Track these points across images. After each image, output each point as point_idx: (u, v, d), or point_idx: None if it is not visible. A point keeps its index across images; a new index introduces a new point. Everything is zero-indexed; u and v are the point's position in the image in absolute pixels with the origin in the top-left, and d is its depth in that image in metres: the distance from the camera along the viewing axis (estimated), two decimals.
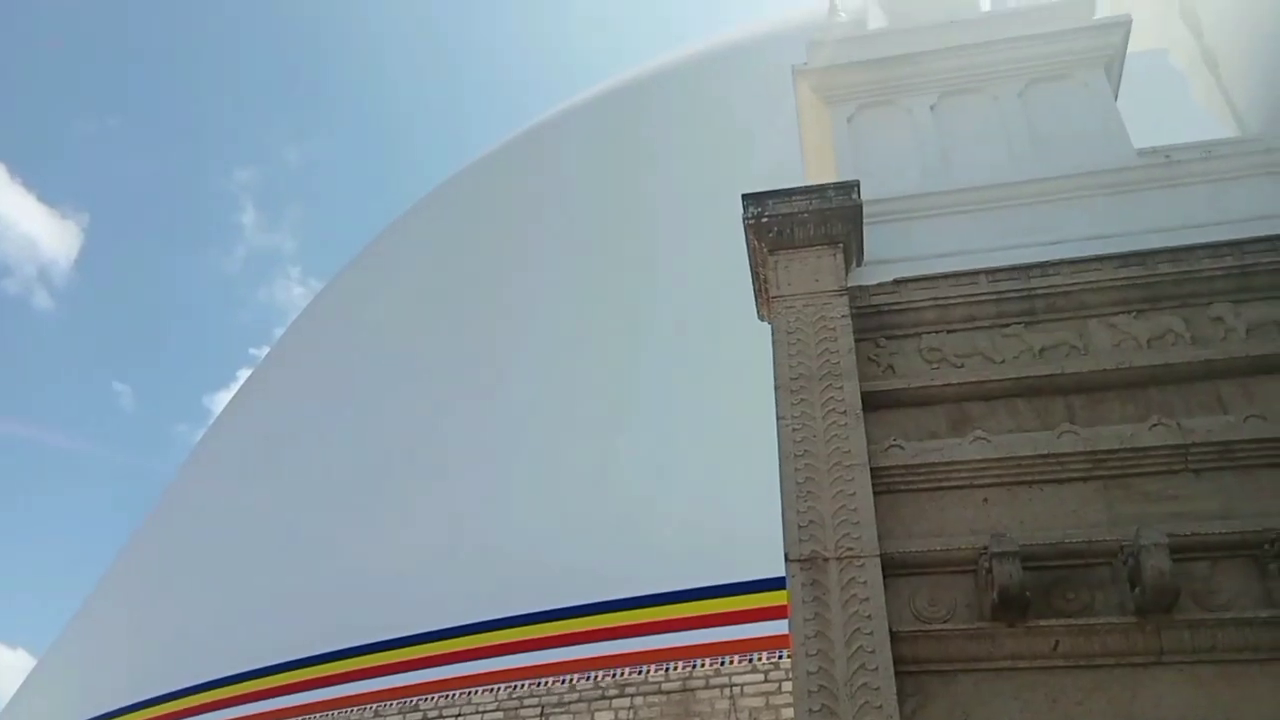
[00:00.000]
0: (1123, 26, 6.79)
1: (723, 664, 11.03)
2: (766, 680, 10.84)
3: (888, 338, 5.54)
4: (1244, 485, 4.69)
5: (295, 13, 56.14)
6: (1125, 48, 6.82)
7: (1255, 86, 7.08)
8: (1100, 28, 6.85)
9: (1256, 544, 4.44)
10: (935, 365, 5.39)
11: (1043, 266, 5.49)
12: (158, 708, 14.97)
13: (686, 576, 11.53)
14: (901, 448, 5.09)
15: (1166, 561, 4.27)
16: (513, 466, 13.96)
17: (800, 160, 7.66)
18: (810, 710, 4.32)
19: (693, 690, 10.95)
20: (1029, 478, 4.91)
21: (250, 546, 16.30)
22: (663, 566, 11.67)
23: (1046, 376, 5.20)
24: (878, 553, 4.66)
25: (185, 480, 22.24)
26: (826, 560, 4.67)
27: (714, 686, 10.93)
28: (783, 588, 4.82)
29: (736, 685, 10.88)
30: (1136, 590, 4.35)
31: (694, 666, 11.09)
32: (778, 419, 5.22)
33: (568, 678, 11.48)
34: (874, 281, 5.67)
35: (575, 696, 11.25)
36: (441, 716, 11.80)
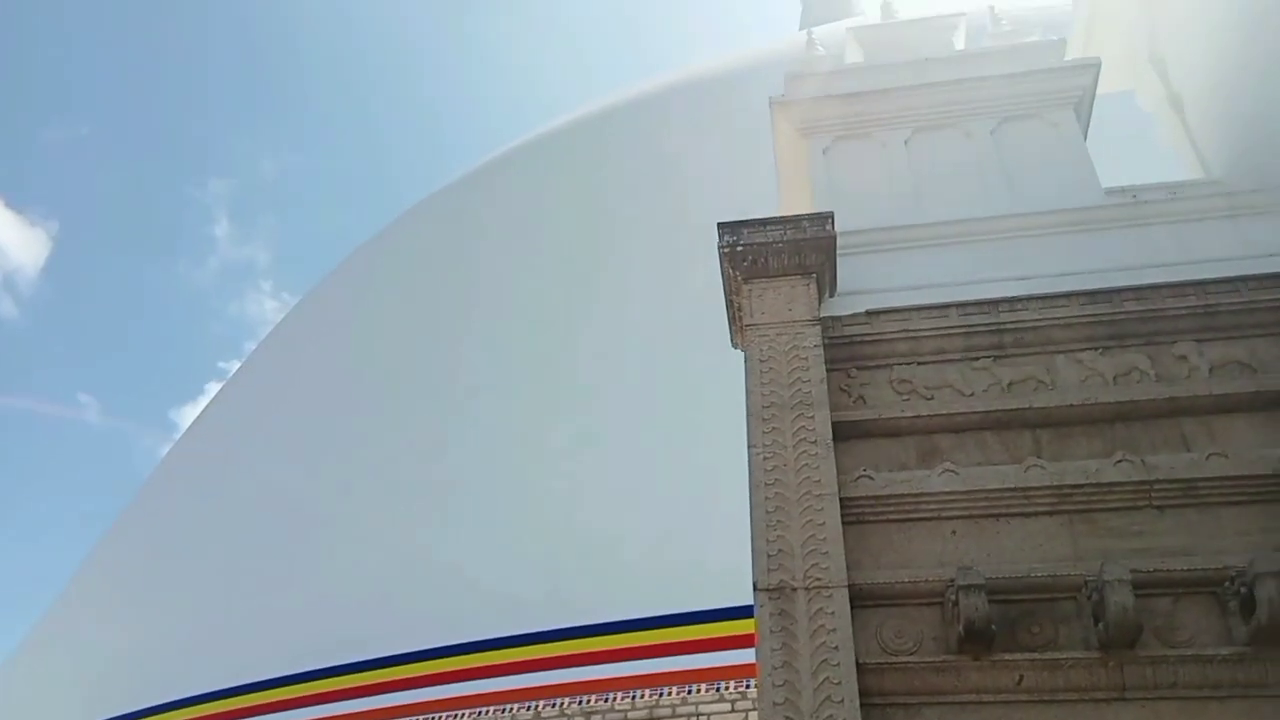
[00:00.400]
0: (1092, 69, 6.94)
1: (690, 692, 10.95)
2: (733, 710, 10.77)
3: (859, 368, 5.58)
4: (1206, 522, 4.75)
5: (277, 26, 56.12)
6: (1094, 89, 6.97)
7: (1218, 129, 7.25)
8: (1070, 69, 7.00)
9: (1217, 581, 4.49)
10: (905, 397, 5.43)
11: (1012, 302, 5.56)
12: None
13: (654, 603, 11.47)
14: (871, 478, 5.12)
15: (1130, 597, 4.30)
16: (480, 491, 13.86)
17: (769, 192, 7.73)
18: None
19: (659, 718, 10.86)
20: (996, 511, 4.95)
21: (213, 565, 16.04)
22: (630, 593, 11.61)
23: (1014, 410, 5.25)
24: (846, 583, 4.67)
25: (150, 495, 21.88)
26: (795, 590, 4.67)
27: (680, 715, 10.85)
28: (751, 616, 4.81)
29: (703, 714, 10.80)
30: (1100, 626, 4.38)
31: (660, 695, 11.01)
32: (749, 447, 5.23)
33: (533, 704, 11.35)
34: (846, 312, 5.72)
35: None
36: None
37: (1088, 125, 7.04)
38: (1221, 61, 7.09)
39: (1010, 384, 5.36)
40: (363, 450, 15.85)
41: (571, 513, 12.85)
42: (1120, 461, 4.94)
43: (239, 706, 13.25)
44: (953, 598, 4.50)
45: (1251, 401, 5.05)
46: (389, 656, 12.51)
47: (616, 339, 14.79)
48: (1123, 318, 5.41)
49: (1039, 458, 5.06)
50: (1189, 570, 4.55)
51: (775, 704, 4.38)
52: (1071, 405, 5.20)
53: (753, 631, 4.76)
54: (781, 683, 4.43)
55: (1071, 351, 5.42)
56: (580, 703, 11.19)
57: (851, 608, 4.59)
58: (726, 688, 10.91)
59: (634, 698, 11.10)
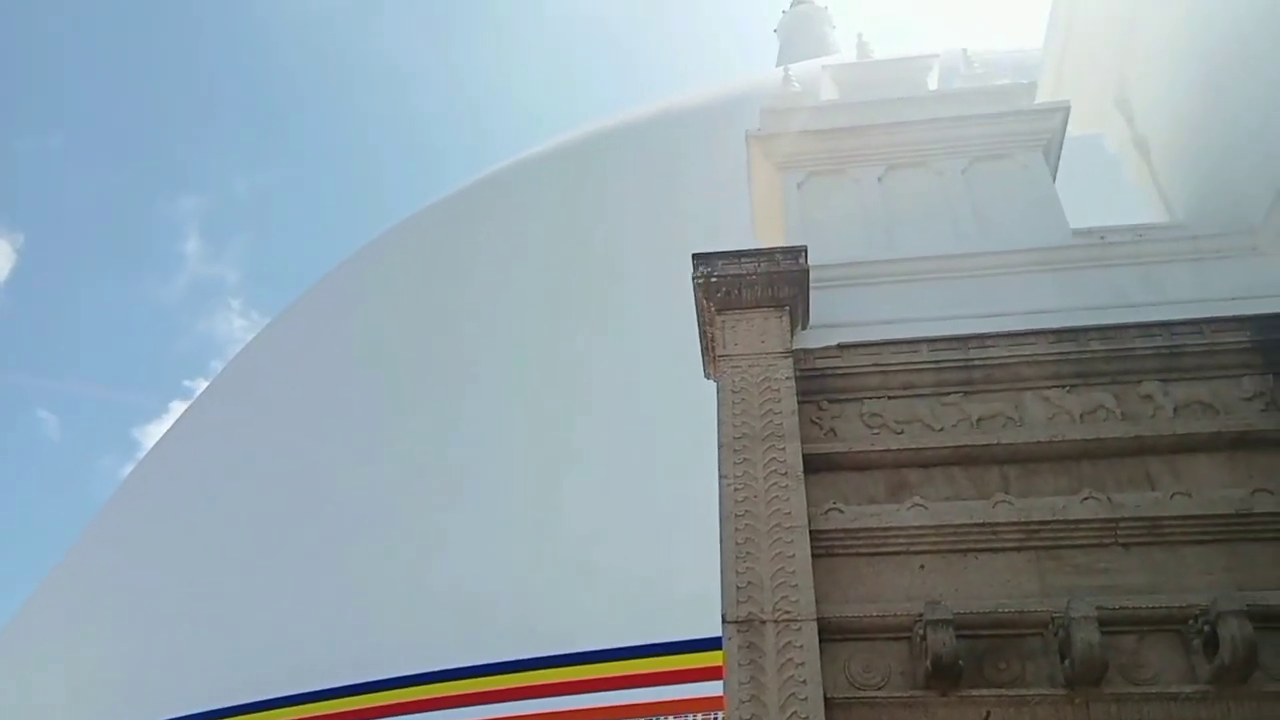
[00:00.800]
0: (1061, 112, 7.10)
1: None
2: None
3: (830, 400, 5.61)
4: (1170, 561, 4.80)
5: (255, 43, 56.01)
6: (1064, 132, 7.12)
7: (1182, 173, 7.43)
8: (1040, 112, 7.15)
9: (1181, 619, 4.53)
10: (876, 430, 5.46)
11: (981, 338, 5.63)
12: None
13: (623, 634, 11.38)
14: (841, 511, 5.13)
15: (1096, 634, 4.33)
16: (450, 518, 13.73)
17: (746, 221, 7.80)
18: None
19: None
20: (965, 546, 4.97)
21: (178, 589, 15.72)
22: (599, 623, 11.51)
23: (983, 446, 5.30)
24: (814, 616, 4.66)
25: (111, 516, 21.46)
26: (764, 623, 4.65)
27: None
28: (720, 648, 4.78)
29: None
30: (1066, 662, 4.40)
31: None
32: (720, 478, 5.23)
33: None
34: (818, 345, 5.75)
35: None
36: None
37: (1056, 167, 7.19)
38: (1186, 108, 7.28)
39: (979, 420, 5.41)
40: (329, 476, 15.67)
41: (541, 542, 12.75)
42: (1087, 499, 4.99)
43: None
44: (921, 633, 4.51)
45: (1214, 442, 5.13)
46: (350, 686, 12.30)
47: (594, 367, 14.77)
48: (1089, 356, 5.49)
49: (1007, 493, 5.10)
50: (1154, 608, 4.59)
51: None
52: (1039, 442, 5.25)
53: (722, 664, 4.73)
54: (749, 716, 4.41)
55: (1039, 389, 5.48)
56: None
57: (820, 641, 4.58)
58: None
59: None
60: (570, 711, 11.17)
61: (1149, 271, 6.09)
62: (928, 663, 4.43)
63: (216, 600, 14.80)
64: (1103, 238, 6.36)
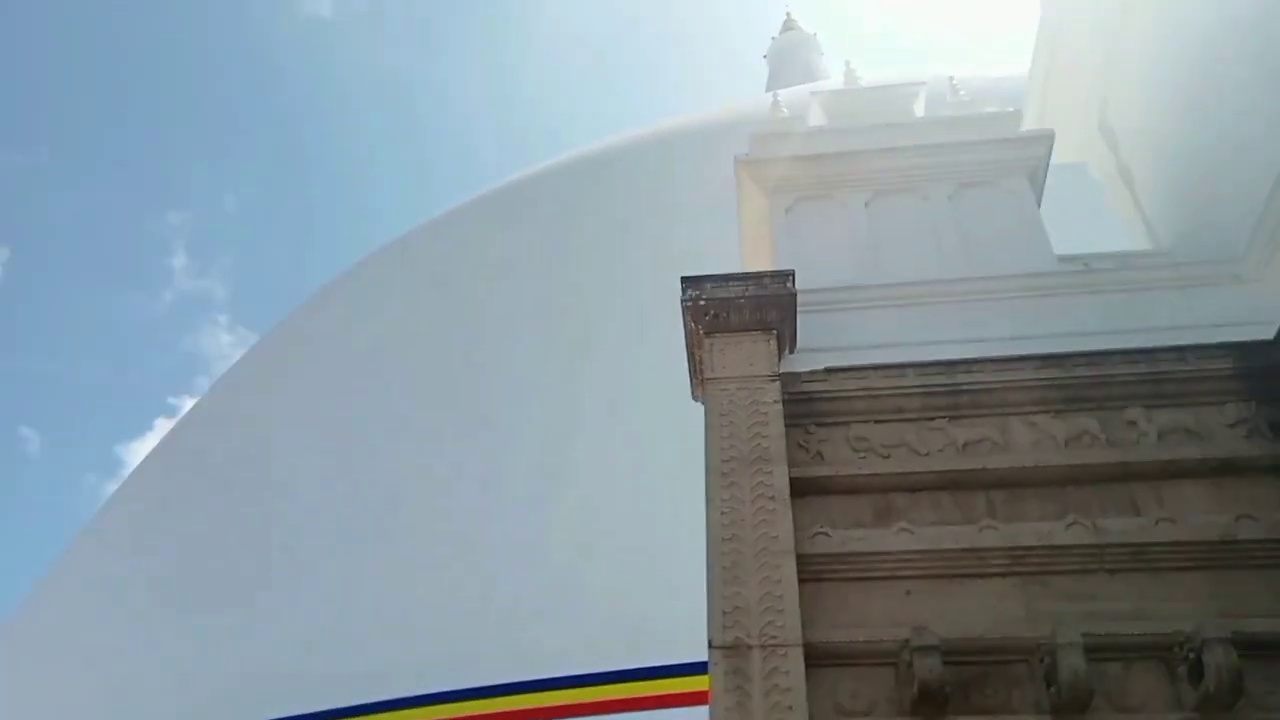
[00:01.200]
0: (1046, 139, 7.18)
1: None
2: None
3: (818, 424, 5.62)
4: (1155, 587, 4.81)
5: (244, 58, 56.12)
6: (1049, 159, 7.19)
7: (1165, 200, 7.51)
8: (1026, 140, 7.23)
9: (1167, 646, 4.53)
10: (863, 454, 5.47)
11: (968, 364, 5.65)
12: None
13: (609, 658, 11.31)
14: (828, 535, 5.12)
15: (1082, 661, 4.33)
16: (435, 539, 13.64)
17: (735, 245, 7.84)
18: None
19: None
20: (951, 571, 4.97)
21: (156, 610, 15.56)
22: (585, 647, 11.44)
23: (969, 471, 5.30)
24: (801, 642, 4.64)
25: (94, 534, 21.25)
26: (750, 648, 4.63)
27: None
28: (706, 672, 4.75)
29: None
30: (1052, 689, 4.40)
31: None
32: (707, 501, 5.21)
33: None
34: (806, 369, 5.77)
35: None
36: None
37: (1041, 193, 7.25)
38: (1168, 135, 7.36)
39: (965, 444, 5.42)
40: (313, 497, 15.57)
41: (527, 564, 12.68)
42: (1072, 524, 5.00)
43: None
44: (907, 659, 4.49)
45: (1198, 468, 5.15)
46: (331, 710, 12.17)
47: (584, 388, 14.76)
48: (1075, 382, 5.51)
49: (993, 519, 5.10)
50: (1140, 635, 4.59)
51: None
52: (1024, 467, 5.27)
53: (708, 688, 4.70)
54: None
55: (1025, 414, 5.50)
56: None
57: (806, 667, 4.56)
58: None
59: None
60: None
61: (1133, 298, 6.14)
62: (914, 689, 4.42)
63: (199, 623, 14.63)
64: (1087, 265, 6.41)
